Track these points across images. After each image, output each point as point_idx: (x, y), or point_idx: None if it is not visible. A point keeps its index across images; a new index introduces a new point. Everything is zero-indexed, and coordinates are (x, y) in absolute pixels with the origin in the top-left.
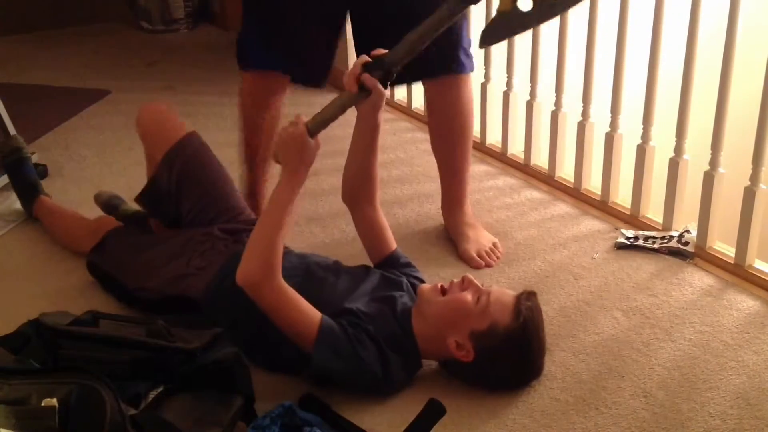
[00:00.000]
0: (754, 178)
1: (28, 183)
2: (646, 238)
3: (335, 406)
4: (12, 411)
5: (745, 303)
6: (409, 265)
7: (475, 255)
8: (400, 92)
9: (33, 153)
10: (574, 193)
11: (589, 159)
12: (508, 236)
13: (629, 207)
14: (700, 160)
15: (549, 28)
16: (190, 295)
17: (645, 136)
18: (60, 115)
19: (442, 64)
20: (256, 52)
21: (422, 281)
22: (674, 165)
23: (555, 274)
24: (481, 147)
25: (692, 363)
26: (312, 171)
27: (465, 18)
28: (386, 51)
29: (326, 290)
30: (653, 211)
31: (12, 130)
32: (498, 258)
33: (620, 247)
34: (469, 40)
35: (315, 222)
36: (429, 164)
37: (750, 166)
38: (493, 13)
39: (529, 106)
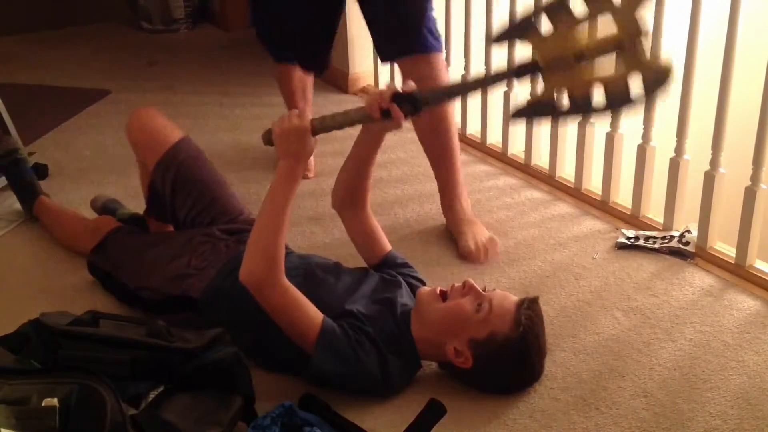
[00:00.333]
0: (755, 178)
1: (25, 184)
2: (647, 238)
3: (335, 406)
4: (12, 411)
5: (745, 303)
6: (405, 265)
7: (473, 249)
8: None
9: (33, 153)
10: (574, 193)
11: (589, 159)
12: (508, 236)
13: (630, 207)
14: (700, 160)
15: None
16: (190, 294)
17: (645, 136)
18: (60, 115)
19: (408, 43)
20: (270, 48)
21: (421, 281)
22: (675, 165)
23: (555, 274)
24: (482, 147)
25: (693, 363)
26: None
27: (429, 1)
28: (416, 88)
29: (326, 291)
30: (654, 211)
31: (12, 130)
32: (496, 254)
33: (621, 247)
34: (434, 20)
35: (315, 222)
36: (429, 164)
37: (750, 166)
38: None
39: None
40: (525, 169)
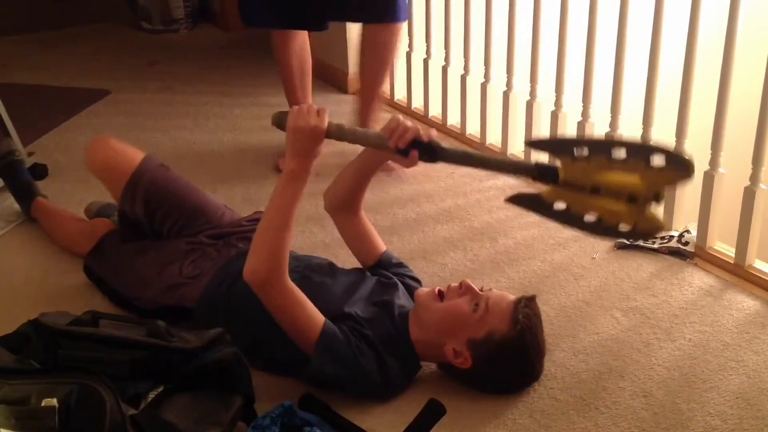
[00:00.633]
0: (754, 178)
1: (23, 185)
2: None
3: (335, 406)
4: (12, 411)
5: (745, 303)
6: (401, 265)
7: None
8: (399, 92)
9: (33, 153)
10: None
11: None
12: (508, 236)
13: None
14: (700, 160)
15: (549, 29)
16: (185, 305)
17: (645, 136)
18: (60, 115)
19: (382, 12)
20: (259, 15)
21: (417, 280)
22: None
23: (555, 274)
24: (482, 147)
25: (692, 363)
26: (313, 171)
27: None
28: (438, 142)
29: (324, 294)
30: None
31: (12, 131)
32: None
33: (620, 247)
34: None
35: (315, 222)
36: (429, 164)
37: (750, 166)
38: None
39: (529, 106)
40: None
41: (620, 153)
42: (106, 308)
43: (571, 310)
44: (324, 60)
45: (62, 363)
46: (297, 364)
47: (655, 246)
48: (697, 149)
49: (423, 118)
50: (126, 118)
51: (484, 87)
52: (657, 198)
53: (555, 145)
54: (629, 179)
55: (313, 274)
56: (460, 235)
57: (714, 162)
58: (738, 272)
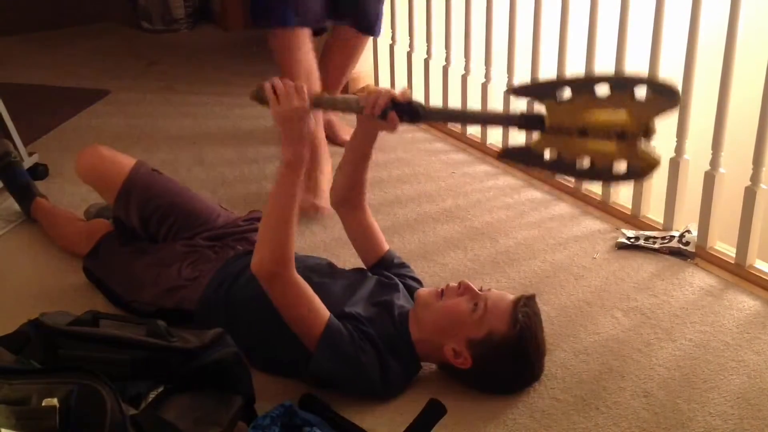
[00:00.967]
0: (755, 177)
1: (21, 186)
2: (647, 238)
3: (335, 406)
4: (12, 411)
5: (745, 303)
6: (403, 265)
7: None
8: None
9: (33, 153)
10: (574, 193)
11: None
12: (508, 236)
13: (630, 207)
14: (700, 160)
15: (549, 29)
16: (185, 307)
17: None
18: (60, 115)
19: (366, 27)
20: (275, 12)
21: (418, 281)
22: (675, 165)
23: (555, 274)
24: (482, 147)
25: (693, 363)
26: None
27: None
28: (419, 102)
29: (324, 294)
30: (654, 211)
31: (13, 131)
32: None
33: (621, 247)
34: (383, 11)
35: (315, 222)
36: (429, 164)
37: (750, 165)
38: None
39: (530, 106)
40: (525, 170)
41: (604, 89)
42: (106, 308)
43: (571, 310)
44: None
45: (62, 363)
46: (297, 364)
47: (656, 246)
48: (697, 149)
49: None
50: (126, 118)
51: (484, 87)
52: (647, 132)
53: (537, 89)
54: (616, 116)
55: (312, 274)
56: (461, 235)
57: (715, 162)
58: (739, 272)
